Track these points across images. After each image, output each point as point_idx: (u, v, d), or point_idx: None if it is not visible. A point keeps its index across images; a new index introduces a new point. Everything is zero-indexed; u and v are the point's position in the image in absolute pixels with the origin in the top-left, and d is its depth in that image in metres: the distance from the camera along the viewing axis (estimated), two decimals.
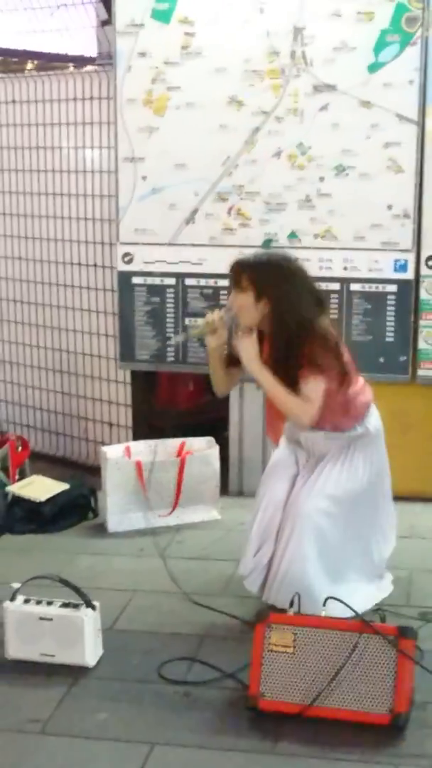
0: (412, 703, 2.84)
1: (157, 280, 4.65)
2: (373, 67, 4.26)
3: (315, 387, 3.32)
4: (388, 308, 4.44)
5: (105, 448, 4.47)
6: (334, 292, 4.44)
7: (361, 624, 2.85)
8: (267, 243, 4.41)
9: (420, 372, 4.46)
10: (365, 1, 4.22)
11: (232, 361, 3.56)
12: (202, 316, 4.57)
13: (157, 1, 4.40)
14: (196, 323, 3.54)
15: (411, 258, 4.37)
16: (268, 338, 3.42)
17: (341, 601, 3.00)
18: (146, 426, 4.99)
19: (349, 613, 2.99)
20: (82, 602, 3.17)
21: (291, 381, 3.34)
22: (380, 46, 4.24)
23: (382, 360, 4.47)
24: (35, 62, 5.97)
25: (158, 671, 3.13)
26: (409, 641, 2.83)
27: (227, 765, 2.69)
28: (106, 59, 4.96)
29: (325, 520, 3.38)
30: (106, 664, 3.19)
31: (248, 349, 3.41)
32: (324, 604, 3.02)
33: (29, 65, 5.80)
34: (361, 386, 3.51)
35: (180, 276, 4.60)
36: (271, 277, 3.39)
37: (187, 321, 3.74)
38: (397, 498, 4.49)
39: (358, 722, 2.78)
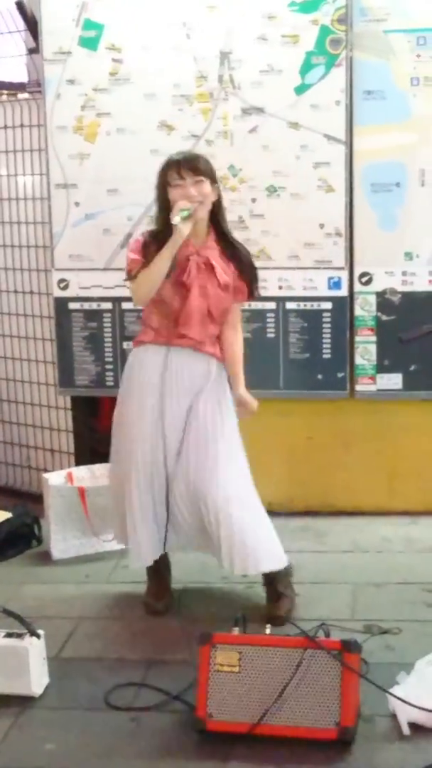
0: (359, 716, 2.86)
1: (93, 305, 4.65)
2: (300, 89, 4.33)
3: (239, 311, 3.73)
4: (324, 325, 4.49)
5: (47, 475, 4.44)
6: (270, 311, 4.48)
7: (306, 640, 2.87)
8: None
9: (358, 387, 4.51)
10: (290, 25, 4.29)
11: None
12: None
13: (84, 28, 4.42)
14: (178, 212, 3.40)
15: (344, 275, 4.43)
16: (214, 227, 3.56)
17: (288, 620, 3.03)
18: (88, 451, 4.97)
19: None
20: (26, 632, 3.14)
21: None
22: (306, 68, 4.31)
23: (320, 377, 4.52)
24: None
25: (105, 698, 3.11)
26: (354, 655, 2.85)
27: None
28: (35, 87, 4.96)
29: (238, 492, 3.54)
30: (52, 693, 3.16)
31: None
32: (268, 622, 3.04)
33: None
34: None
35: (116, 300, 4.61)
36: (213, 169, 3.56)
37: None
38: (340, 513, 4.57)
39: (306, 738, 2.79)
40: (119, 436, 3.68)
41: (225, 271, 3.56)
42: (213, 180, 3.52)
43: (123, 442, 3.65)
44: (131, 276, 3.52)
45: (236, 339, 3.72)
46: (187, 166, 3.47)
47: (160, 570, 3.77)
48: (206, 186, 3.47)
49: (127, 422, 3.64)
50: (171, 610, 3.71)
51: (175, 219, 3.39)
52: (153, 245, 3.49)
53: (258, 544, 3.52)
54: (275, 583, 3.61)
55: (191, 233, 3.46)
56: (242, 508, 3.52)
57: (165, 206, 3.50)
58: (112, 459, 3.76)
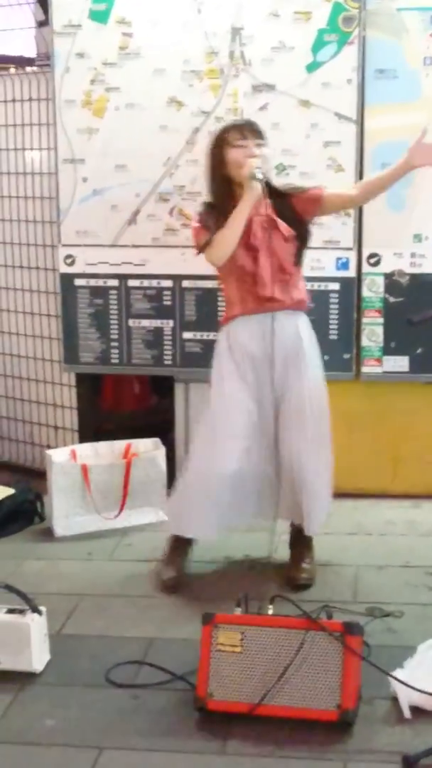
0: (360, 698, 2.86)
1: (100, 282, 4.62)
2: (312, 67, 4.28)
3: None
4: (331, 306, 4.46)
5: (50, 452, 4.43)
6: None
7: (308, 621, 2.86)
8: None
9: (364, 369, 4.49)
10: (303, 2, 4.24)
11: None
12: (147, 318, 4.62)
13: (94, 1, 4.37)
14: (253, 168, 3.45)
15: (353, 256, 4.40)
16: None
17: (292, 602, 3.04)
18: (92, 429, 4.97)
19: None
20: (28, 608, 3.14)
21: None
22: (318, 45, 4.26)
23: (326, 358, 4.46)
24: None
25: (106, 675, 3.11)
26: (356, 637, 2.84)
27: (176, 767, 2.69)
28: (44, 60, 4.92)
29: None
30: (53, 670, 3.17)
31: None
32: (271, 602, 3.03)
33: None
34: None
35: (123, 277, 4.58)
36: None
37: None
38: (343, 495, 4.55)
39: (306, 719, 2.79)
40: (216, 410, 3.68)
41: (284, 224, 3.55)
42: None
43: (221, 416, 3.65)
44: (201, 245, 3.55)
45: (350, 189, 3.81)
46: (249, 128, 3.57)
47: (184, 548, 3.80)
48: (267, 150, 3.55)
49: (228, 396, 3.64)
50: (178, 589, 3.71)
51: (252, 171, 3.42)
52: (212, 215, 3.55)
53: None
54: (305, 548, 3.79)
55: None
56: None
57: (222, 170, 3.54)
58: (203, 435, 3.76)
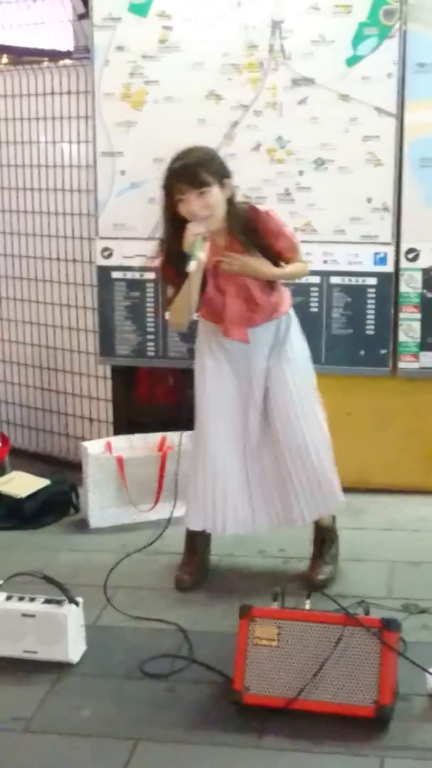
0: (397, 695, 2.85)
1: (136, 275, 4.63)
2: (352, 61, 4.26)
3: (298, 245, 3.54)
4: (369, 301, 4.44)
5: (85, 444, 4.45)
6: (314, 285, 4.44)
7: (345, 617, 2.86)
8: None
9: (400, 365, 4.47)
10: None
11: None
12: None
13: None
14: (193, 243, 3.25)
15: (390, 251, 4.37)
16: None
17: (329, 597, 3.03)
18: (127, 421, 4.98)
19: None
20: (65, 598, 3.15)
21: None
22: (358, 39, 4.24)
23: (362, 353, 4.48)
24: (9, 57, 5.91)
25: (141, 667, 3.12)
26: (393, 633, 2.83)
27: (212, 760, 2.69)
28: (82, 53, 4.93)
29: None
30: (89, 661, 3.18)
31: (257, 261, 3.41)
32: (308, 597, 3.03)
33: (4, 60, 5.74)
34: None
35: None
36: (220, 163, 3.41)
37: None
38: (377, 491, 4.55)
39: (343, 715, 2.78)
40: (202, 402, 3.63)
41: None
42: (223, 177, 3.34)
43: (206, 409, 3.62)
44: (167, 300, 3.52)
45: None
46: (186, 181, 3.26)
47: (196, 546, 3.78)
48: (212, 195, 3.28)
49: (207, 390, 3.61)
50: (202, 586, 3.70)
51: (191, 266, 3.23)
52: (169, 265, 3.44)
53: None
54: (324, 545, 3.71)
55: (216, 238, 3.38)
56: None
57: (171, 214, 3.36)
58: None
